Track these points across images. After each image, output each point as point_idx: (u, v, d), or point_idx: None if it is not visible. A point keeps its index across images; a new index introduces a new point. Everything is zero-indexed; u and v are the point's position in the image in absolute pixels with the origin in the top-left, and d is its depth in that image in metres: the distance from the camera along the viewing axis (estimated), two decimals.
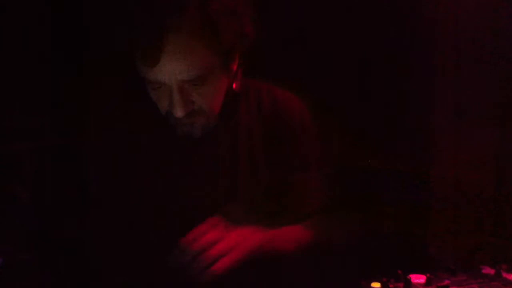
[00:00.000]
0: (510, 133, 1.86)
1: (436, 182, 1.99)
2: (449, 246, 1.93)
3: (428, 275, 1.02)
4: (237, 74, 1.27)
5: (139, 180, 1.30)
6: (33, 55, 1.61)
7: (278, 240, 1.22)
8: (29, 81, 1.60)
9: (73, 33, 1.62)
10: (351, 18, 1.85)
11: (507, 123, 1.86)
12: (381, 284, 0.99)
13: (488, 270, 1.07)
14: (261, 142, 1.34)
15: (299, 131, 1.38)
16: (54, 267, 1.31)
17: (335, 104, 1.90)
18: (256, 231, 1.20)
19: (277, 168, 1.33)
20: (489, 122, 1.91)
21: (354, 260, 1.36)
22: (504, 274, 1.05)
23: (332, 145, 1.46)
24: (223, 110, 1.27)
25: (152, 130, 1.31)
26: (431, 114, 1.97)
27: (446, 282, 1.02)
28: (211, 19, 1.12)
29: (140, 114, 1.31)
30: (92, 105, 1.41)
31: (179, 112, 1.19)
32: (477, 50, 1.86)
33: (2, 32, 1.53)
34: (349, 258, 1.32)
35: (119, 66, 1.29)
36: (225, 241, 1.15)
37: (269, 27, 1.23)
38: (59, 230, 1.32)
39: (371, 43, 1.90)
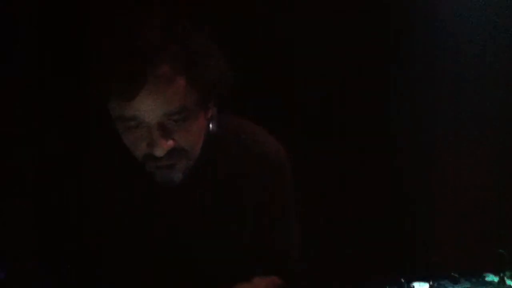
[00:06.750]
0: (510, 135, 1.86)
1: (437, 188, 1.99)
2: (452, 253, 1.93)
3: (431, 282, 1.02)
4: (213, 114, 1.24)
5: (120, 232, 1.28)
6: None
7: None
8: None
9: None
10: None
11: (507, 124, 1.87)
12: None
13: (492, 278, 1.07)
14: (228, 193, 1.29)
15: (268, 190, 1.32)
16: (56, 276, 1.31)
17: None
18: None
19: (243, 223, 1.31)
20: (489, 124, 1.91)
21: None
22: (508, 282, 1.04)
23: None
24: (201, 153, 1.22)
25: (127, 182, 1.26)
26: (431, 117, 1.97)
27: None
28: (192, 56, 1.12)
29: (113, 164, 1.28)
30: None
31: (159, 151, 1.12)
32: (477, 52, 1.87)
33: None
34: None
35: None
36: None
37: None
38: (61, 239, 1.31)
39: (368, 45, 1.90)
